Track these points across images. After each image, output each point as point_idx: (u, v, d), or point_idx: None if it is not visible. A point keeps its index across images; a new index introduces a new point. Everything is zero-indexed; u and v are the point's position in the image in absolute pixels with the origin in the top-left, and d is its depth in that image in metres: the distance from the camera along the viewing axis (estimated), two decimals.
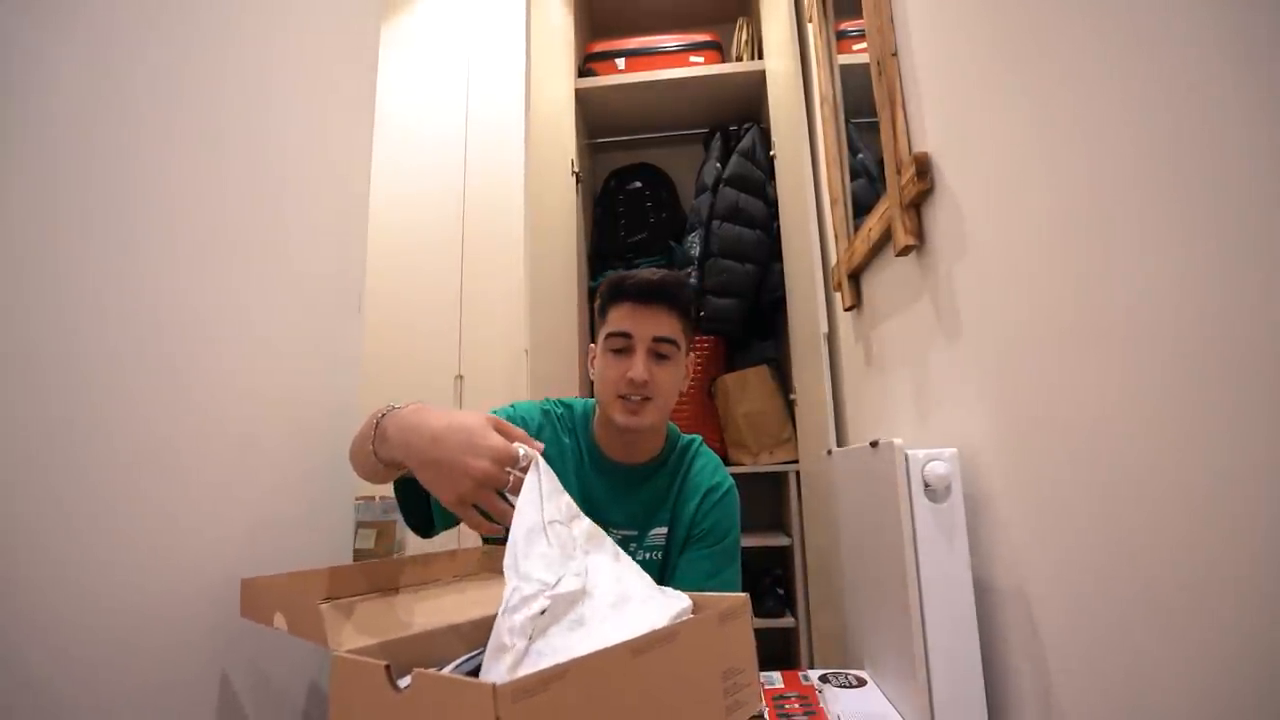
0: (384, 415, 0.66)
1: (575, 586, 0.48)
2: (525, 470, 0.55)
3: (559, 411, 0.95)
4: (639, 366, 0.84)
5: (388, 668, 0.41)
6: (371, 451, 0.65)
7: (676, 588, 0.87)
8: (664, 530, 0.91)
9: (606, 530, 0.89)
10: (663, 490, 0.92)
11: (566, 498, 0.58)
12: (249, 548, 0.68)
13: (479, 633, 0.55)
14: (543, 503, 0.54)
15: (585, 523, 0.58)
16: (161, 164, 0.58)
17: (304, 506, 0.78)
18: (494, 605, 0.48)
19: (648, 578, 0.59)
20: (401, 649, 0.51)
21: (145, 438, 0.56)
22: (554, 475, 0.57)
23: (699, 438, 0.99)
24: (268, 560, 0.70)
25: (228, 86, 0.67)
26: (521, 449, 0.56)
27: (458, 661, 0.49)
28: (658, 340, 0.85)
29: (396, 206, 1.68)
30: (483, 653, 0.49)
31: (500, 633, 0.44)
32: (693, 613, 0.57)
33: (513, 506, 0.53)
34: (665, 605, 0.54)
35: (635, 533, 0.91)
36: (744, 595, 0.56)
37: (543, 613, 0.45)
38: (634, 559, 0.89)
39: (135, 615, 0.54)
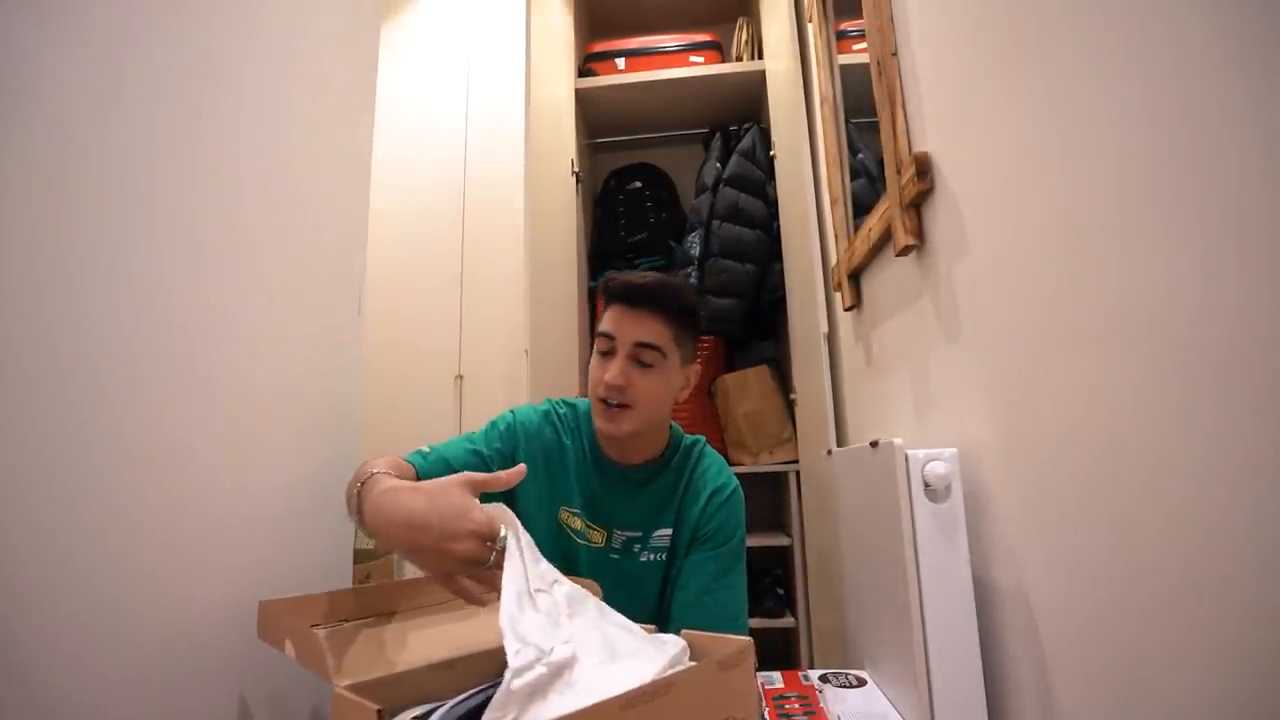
0: (361, 487, 0.65)
1: (566, 654, 0.48)
2: (505, 546, 0.54)
3: (562, 411, 0.95)
4: (615, 371, 0.83)
5: (380, 712, 0.41)
6: (357, 521, 0.65)
7: (682, 591, 0.88)
8: (668, 532, 0.91)
9: (610, 531, 0.90)
10: (667, 492, 0.92)
11: (545, 564, 0.57)
12: (250, 547, 0.68)
13: (475, 670, 0.54)
14: (526, 570, 0.53)
15: (565, 586, 0.57)
16: (160, 165, 0.58)
17: (305, 506, 0.78)
18: (493, 635, 0.47)
19: (635, 628, 0.58)
20: (400, 684, 0.50)
21: (150, 439, 0.56)
22: (531, 540, 0.56)
23: (703, 438, 0.98)
24: (267, 559, 0.70)
25: (226, 87, 0.67)
26: (502, 530, 0.55)
27: (450, 704, 0.49)
28: (639, 346, 0.84)
29: (396, 206, 1.67)
30: (474, 695, 0.49)
31: (501, 697, 0.44)
32: (690, 655, 0.56)
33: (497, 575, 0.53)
34: (657, 654, 0.53)
35: (640, 534, 0.91)
36: (748, 640, 0.54)
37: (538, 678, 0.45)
38: (638, 560, 0.90)
39: (139, 614, 0.54)
